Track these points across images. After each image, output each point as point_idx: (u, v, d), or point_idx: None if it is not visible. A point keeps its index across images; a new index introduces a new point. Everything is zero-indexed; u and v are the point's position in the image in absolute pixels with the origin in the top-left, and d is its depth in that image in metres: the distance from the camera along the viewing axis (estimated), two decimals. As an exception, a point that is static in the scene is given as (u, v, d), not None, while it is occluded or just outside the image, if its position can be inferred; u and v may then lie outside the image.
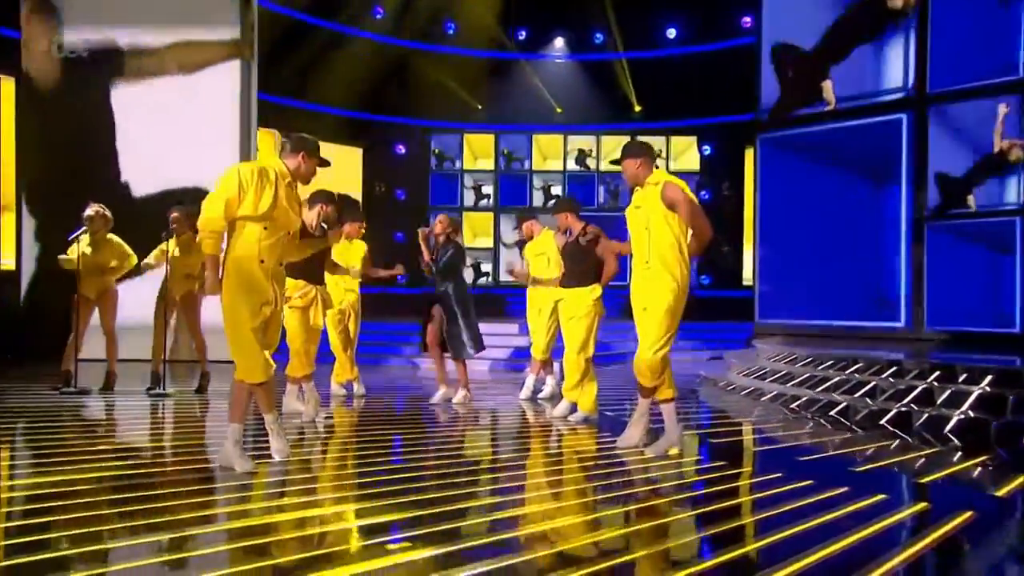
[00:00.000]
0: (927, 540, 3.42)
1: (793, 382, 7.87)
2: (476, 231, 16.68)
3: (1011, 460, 5.34)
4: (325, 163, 4.62)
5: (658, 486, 4.42)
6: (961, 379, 6.55)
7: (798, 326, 11.63)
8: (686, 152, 16.15)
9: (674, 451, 5.10)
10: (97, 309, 7.66)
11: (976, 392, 6.27)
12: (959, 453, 5.43)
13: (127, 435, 6.05)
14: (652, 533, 3.59)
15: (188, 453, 5.20)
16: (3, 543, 3.27)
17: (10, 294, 10.85)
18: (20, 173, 10.96)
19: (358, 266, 7.34)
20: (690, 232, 4.96)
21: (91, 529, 3.38)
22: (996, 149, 9.88)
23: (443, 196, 16.38)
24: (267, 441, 4.75)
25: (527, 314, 7.85)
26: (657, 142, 14.89)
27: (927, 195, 10.55)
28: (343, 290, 7.35)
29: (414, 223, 8.68)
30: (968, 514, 3.76)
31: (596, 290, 6.30)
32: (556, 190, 16.39)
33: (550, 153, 16.81)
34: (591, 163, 16.44)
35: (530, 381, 7.86)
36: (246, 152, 10.81)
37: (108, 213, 7.57)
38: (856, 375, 7.33)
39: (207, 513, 3.76)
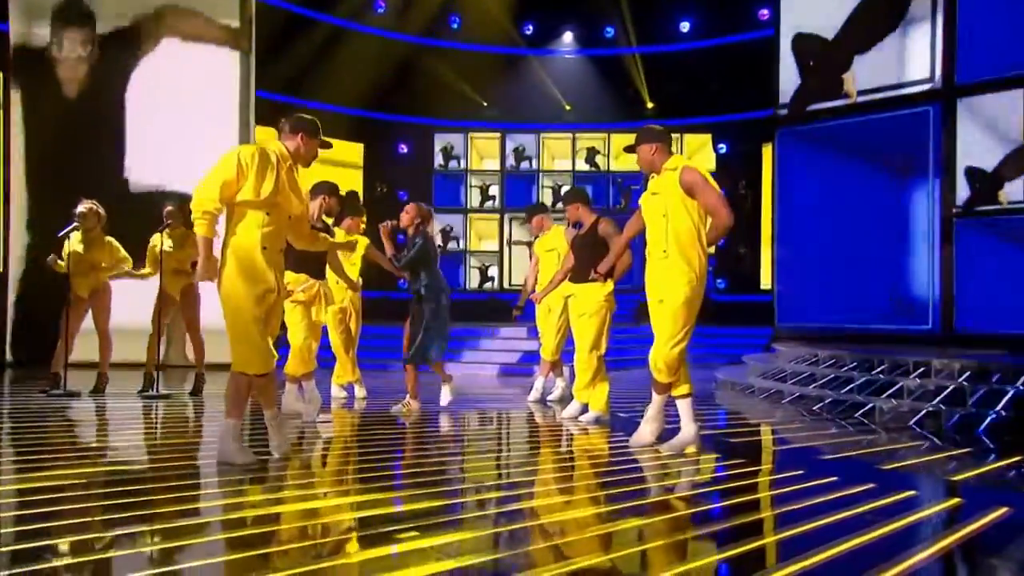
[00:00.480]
0: (959, 534, 3.29)
1: (815, 384, 7.64)
2: (481, 234, 16.20)
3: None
4: (326, 144, 4.50)
5: (675, 482, 4.30)
6: (995, 379, 6.34)
7: (819, 328, 11.18)
8: (700, 150, 15.58)
9: (691, 449, 4.93)
10: (90, 308, 7.47)
11: (1011, 392, 6.04)
12: (992, 455, 5.28)
13: (116, 436, 5.76)
14: (669, 526, 3.43)
15: (183, 453, 4.97)
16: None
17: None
18: (5, 169, 10.60)
19: (358, 262, 7.27)
20: (708, 220, 4.78)
21: (78, 529, 3.12)
22: (1030, 141, 9.46)
23: (447, 197, 15.87)
24: (266, 441, 4.59)
25: (536, 314, 7.68)
26: (670, 140, 14.38)
27: (956, 191, 10.09)
28: (343, 288, 7.04)
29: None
30: (1003, 510, 3.60)
31: (608, 285, 5.99)
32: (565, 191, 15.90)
33: (558, 152, 16.32)
34: (601, 162, 15.94)
35: (539, 383, 7.67)
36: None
37: (101, 210, 7.46)
38: (882, 375, 7.10)
39: (200, 506, 3.65)
